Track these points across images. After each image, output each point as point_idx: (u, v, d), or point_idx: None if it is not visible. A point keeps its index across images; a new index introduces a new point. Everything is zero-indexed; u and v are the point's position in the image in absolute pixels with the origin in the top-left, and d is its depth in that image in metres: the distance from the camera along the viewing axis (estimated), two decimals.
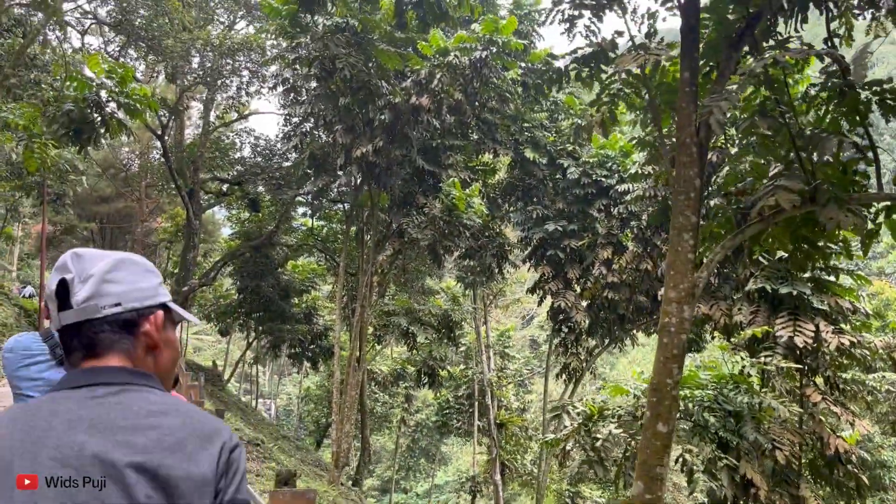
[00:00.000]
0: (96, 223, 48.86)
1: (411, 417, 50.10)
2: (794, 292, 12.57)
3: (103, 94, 11.54)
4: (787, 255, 12.81)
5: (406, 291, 28.64)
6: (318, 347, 40.64)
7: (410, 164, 17.73)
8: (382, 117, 16.40)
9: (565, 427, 10.88)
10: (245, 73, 25.95)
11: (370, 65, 15.67)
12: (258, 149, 31.36)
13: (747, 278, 13.59)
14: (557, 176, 21.65)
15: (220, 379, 30.95)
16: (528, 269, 25.47)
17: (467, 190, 18.32)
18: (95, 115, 11.60)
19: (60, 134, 11.00)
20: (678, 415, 12.37)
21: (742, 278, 13.67)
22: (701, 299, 14.52)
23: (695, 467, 10.90)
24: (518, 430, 31.19)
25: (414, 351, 25.56)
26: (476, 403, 34.21)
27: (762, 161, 7.83)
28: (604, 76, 8.43)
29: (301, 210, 36.68)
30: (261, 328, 37.69)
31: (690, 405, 11.93)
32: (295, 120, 20.44)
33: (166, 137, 29.13)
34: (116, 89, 11.58)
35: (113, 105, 11.62)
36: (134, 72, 11.85)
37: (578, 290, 21.26)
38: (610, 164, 20.41)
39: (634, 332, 22.22)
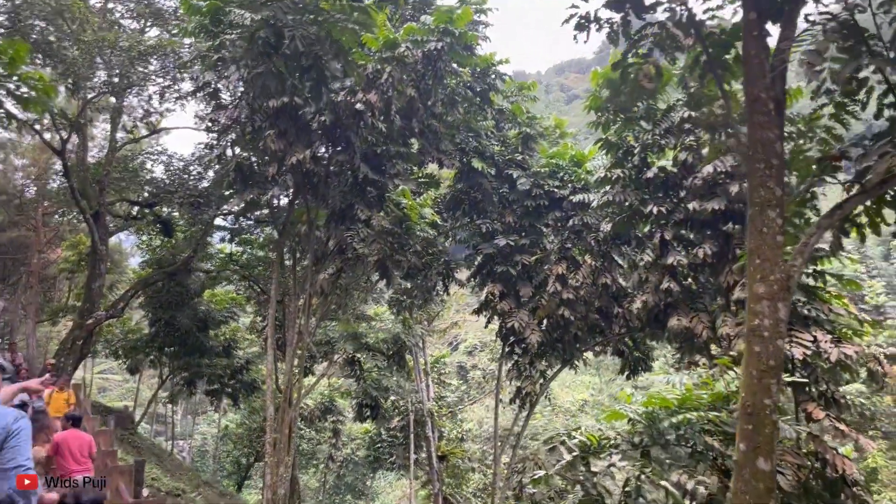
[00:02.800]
0: None
1: (339, 453, 47.62)
2: None
3: None
4: None
5: (336, 318, 26.64)
6: (238, 382, 37.83)
7: (352, 172, 16.00)
8: (322, 119, 14.64)
9: (557, 462, 9.32)
10: (158, 80, 23.57)
11: (322, 37, 13.65)
12: (171, 168, 28.72)
13: (731, 286, 12.53)
14: (504, 189, 20.37)
15: (132, 422, 27.90)
16: (469, 290, 24.04)
17: (418, 199, 16.72)
18: None
19: None
20: (673, 440, 11.07)
21: (726, 286, 12.60)
22: (679, 310, 13.38)
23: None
24: (460, 461, 29.50)
25: (360, 381, 23.45)
26: (412, 435, 32.35)
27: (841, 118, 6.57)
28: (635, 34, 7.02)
29: (218, 236, 34.17)
30: (176, 364, 34.67)
31: (687, 430, 10.62)
32: (219, 126, 18.33)
33: (68, 155, 26.24)
34: (4, 72, 9.45)
35: (1, 92, 9.48)
36: (27, 51, 9.71)
37: (530, 309, 19.89)
38: (561, 174, 19.28)
39: (585, 352, 21.05)
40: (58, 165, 32.83)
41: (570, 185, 19.00)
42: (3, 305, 41.49)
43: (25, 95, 9.55)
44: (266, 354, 35.67)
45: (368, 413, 24.90)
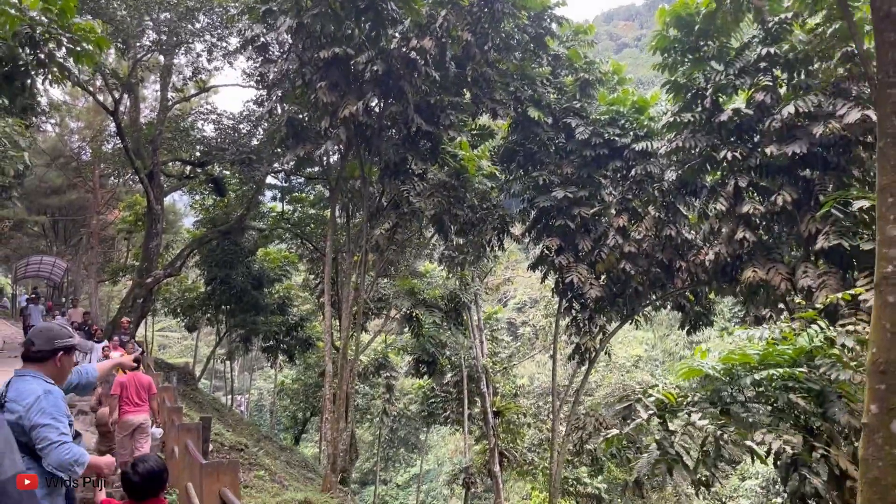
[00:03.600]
0: (47, 216, 45.53)
1: (392, 408, 48.18)
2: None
3: (39, 30, 9.13)
4: (866, 204, 11.03)
5: (390, 275, 26.43)
6: (293, 339, 38.29)
7: (406, 124, 15.50)
8: (375, 69, 14.11)
9: (632, 420, 8.89)
10: (206, 37, 23.29)
11: None
12: (221, 126, 28.61)
13: (813, 235, 11.74)
14: (560, 139, 19.62)
15: (193, 378, 28.46)
16: (520, 245, 23.44)
17: (476, 151, 16.11)
18: (29, 56, 9.20)
19: None
20: (752, 398, 10.50)
21: (807, 235, 11.81)
22: (755, 261, 12.66)
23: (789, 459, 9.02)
24: (515, 416, 29.35)
25: (419, 337, 23.24)
26: (465, 391, 32.30)
27: None
28: None
29: (269, 194, 34.20)
30: (232, 321, 35.17)
31: (768, 387, 10.01)
32: (269, 81, 17.98)
33: (121, 116, 26.37)
34: (55, 24, 9.18)
35: (52, 45, 9.22)
36: (77, 2, 9.41)
37: (589, 263, 19.27)
38: (622, 121, 18.40)
39: (646, 307, 20.40)
40: (112, 127, 33.21)
41: (631, 132, 18.13)
42: (67, 266, 42.66)
43: (78, 49, 9.26)
44: (323, 311, 36.13)
45: (425, 369, 24.74)
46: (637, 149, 17.62)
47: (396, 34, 14.08)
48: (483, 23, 14.10)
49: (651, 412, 8.59)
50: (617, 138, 18.15)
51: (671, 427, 8.83)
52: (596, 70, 19.12)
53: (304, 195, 33.19)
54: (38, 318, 21.80)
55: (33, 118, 25.06)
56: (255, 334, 36.27)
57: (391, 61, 14.26)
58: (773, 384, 9.85)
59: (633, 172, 17.82)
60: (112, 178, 42.89)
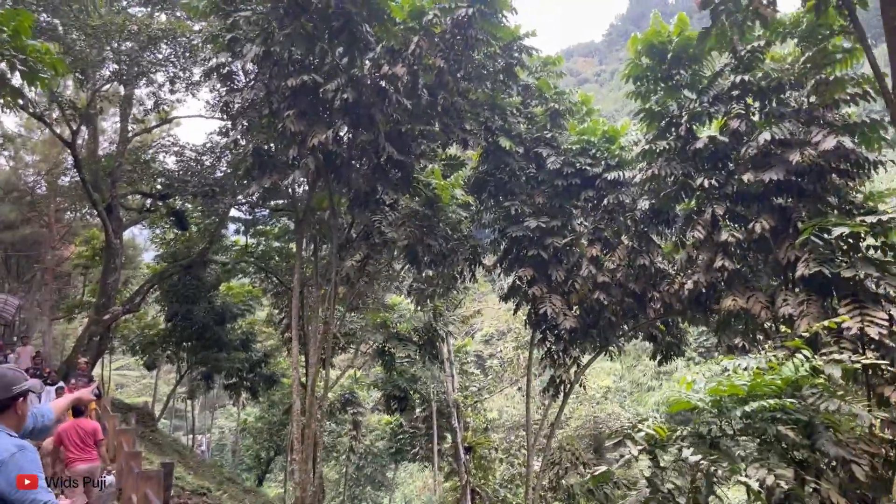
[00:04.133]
0: (0, 252, 43.96)
1: (359, 445, 47.16)
2: (860, 275, 10.62)
3: None
4: (846, 231, 10.95)
5: (358, 308, 25.84)
6: (257, 376, 37.35)
7: (376, 153, 15.15)
8: (345, 97, 13.77)
9: (622, 456, 8.50)
10: (169, 66, 22.77)
11: None
12: (184, 159, 27.92)
13: (792, 263, 11.62)
14: (531, 169, 19.47)
15: (152, 418, 27.34)
16: (486, 276, 23.14)
17: (449, 179, 15.81)
18: None
19: None
20: (739, 430, 10.21)
21: (786, 263, 11.68)
22: (734, 290, 12.49)
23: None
24: (487, 452, 28.75)
25: (391, 372, 22.61)
26: (435, 426, 31.65)
27: None
28: None
29: (232, 228, 33.48)
30: (194, 358, 34.11)
31: (756, 419, 9.73)
32: (234, 111, 17.51)
33: (78, 148, 25.59)
34: (8, 45, 8.66)
35: (3, 65, 8.70)
36: (33, 21, 8.91)
37: (562, 293, 19.02)
38: (593, 151, 18.33)
39: (621, 337, 20.17)
40: (69, 160, 32.29)
41: (603, 162, 18.05)
42: (19, 303, 41.08)
43: (32, 72, 8.74)
44: (288, 347, 35.20)
45: (396, 405, 24.08)
46: (609, 178, 17.53)
47: (367, 61, 13.80)
48: (456, 50, 13.92)
49: (641, 447, 8.21)
50: (588, 168, 18.05)
51: (663, 463, 8.46)
52: (566, 100, 19.09)
53: (268, 228, 32.58)
54: None
55: None
56: (217, 371, 35.26)
57: (361, 89, 13.95)
58: (761, 416, 9.58)
59: (605, 202, 17.69)
60: (68, 212, 41.68)
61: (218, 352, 32.61)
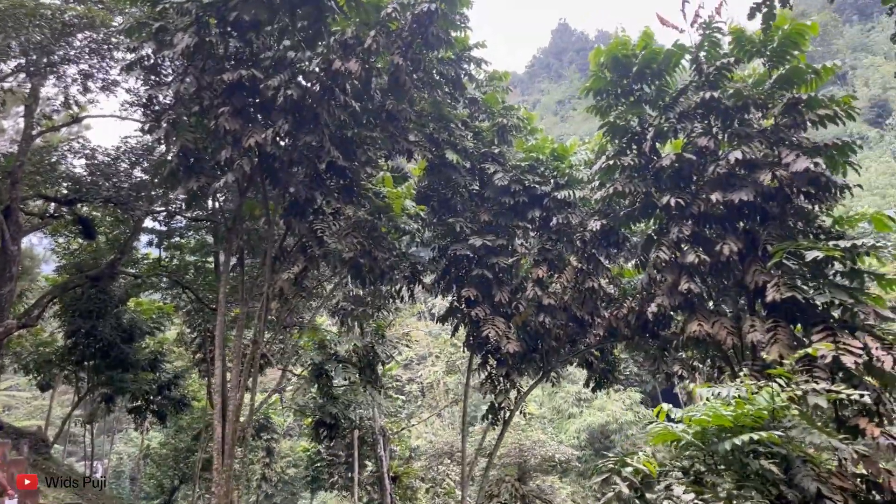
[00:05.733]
0: None
1: (275, 474, 44.90)
2: (836, 301, 10.23)
3: None
4: (820, 255, 10.57)
5: (272, 329, 24.16)
6: (165, 399, 34.73)
7: (318, 157, 13.98)
8: (289, 93, 12.58)
9: (612, 489, 7.61)
10: (84, 59, 20.84)
11: None
12: (95, 163, 25.71)
13: (760, 287, 11.17)
14: (475, 186, 18.71)
15: (46, 444, 24.74)
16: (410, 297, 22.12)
17: (401, 188, 14.73)
18: None
19: None
20: (716, 466, 9.54)
21: (753, 287, 11.22)
22: (699, 315, 11.95)
23: None
24: (413, 481, 27.47)
25: (328, 396, 21.01)
26: (356, 454, 30.13)
27: None
28: None
29: (144, 239, 31.21)
30: (96, 379, 31.34)
31: (737, 453, 9.07)
32: (159, 106, 15.96)
33: None
34: None
35: None
36: None
37: (505, 315, 18.21)
38: (542, 169, 17.74)
39: (564, 362, 19.55)
40: None
41: (552, 180, 17.48)
42: None
43: None
44: (200, 368, 32.94)
45: (326, 432, 22.53)
46: (559, 197, 16.96)
47: (315, 56, 12.68)
48: (414, 49, 12.99)
49: (628, 483, 7.36)
50: (537, 186, 17.44)
51: (650, 500, 7.64)
52: (514, 115, 18.47)
53: (184, 241, 30.52)
54: None
55: None
56: (121, 393, 32.52)
57: (307, 86, 12.80)
58: (743, 449, 8.93)
59: (553, 221, 17.09)
60: None
61: (123, 372, 30.05)
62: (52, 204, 27.51)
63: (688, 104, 12.60)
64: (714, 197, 11.54)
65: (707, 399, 9.57)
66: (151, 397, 34.02)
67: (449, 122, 17.59)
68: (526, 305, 17.75)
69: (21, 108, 28.99)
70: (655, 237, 13.07)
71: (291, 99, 12.77)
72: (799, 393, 9.43)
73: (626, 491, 7.15)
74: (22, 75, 23.62)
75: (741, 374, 9.99)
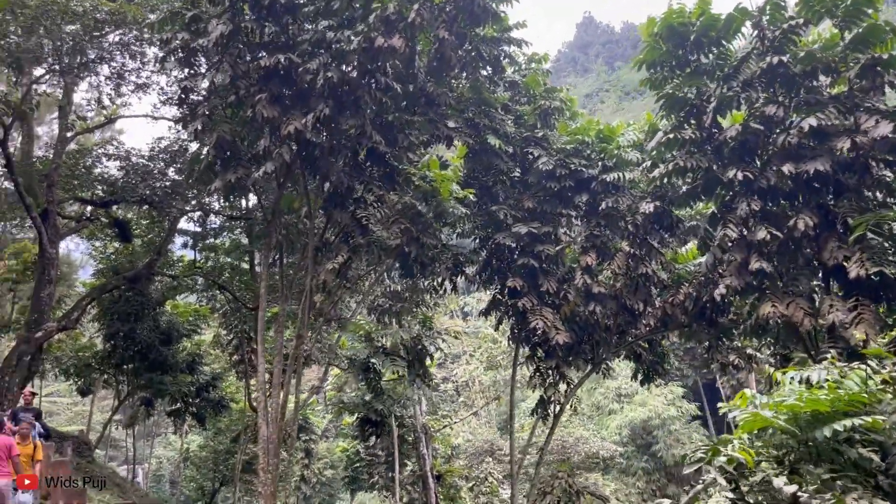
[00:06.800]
0: None
1: (313, 475, 44.69)
2: None
3: None
4: None
5: (315, 325, 23.68)
6: (203, 401, 34.62)
7: (359, 143, 13.45)
8: (329, 75, 12.07)
9: (701, 481, 6.95)
10: (116, 58, 20.61)
11: None
12: (129, 165, 25.56)
13: (839, 264, 10.37)
14: (517, 172, 18.06)
15: (89, 448, 24.64)
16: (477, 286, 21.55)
17: (448, 170, 14.11)
18: None
19: None
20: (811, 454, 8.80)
21: (832, 264, 10.42)
22: (772, 297, 11.16)
23: None
24: (457, 480, 26.89)
25: (376, 392, 20.47)
26: (397, 453, 29.63)
27: None
28: None
29: (179, 241, 31.11)
30: (135, 382, 31.28)
31: (833, 440, 8.30)
32: (195, 99, 15.55)
33: (11, 147, 23.08)
34: None
35: None
36: None
37: (552, 305, 17.51)
38: (588, 151, 17.02)
39: (616, 353, 18.81)
40: None
41: (599, 163, 16.75)
42: None
43: None
44: (239, 370, 32.70)
45: (371, 430, 21.97)
46: (607, 180, 16.23)
47: (353, 36, 12.15)
48: (459, 24, 12.40)
49: (726, 474, 6.69)
50: (583, 169, 16.71)
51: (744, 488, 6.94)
52: (556, 98, 17.76)
53: (219, 243, 30.36)
54: None
55: None
56: (160, 396, 32.46)
57: (347, 68, 12.28)
58: (838, 436, 8.16)
59: (602, 206, 16.36)
60: None
61: (162, 374, 29.94)
62: (89, 207, 27.50)
63: (751, 72, 11.80)
64: (786, 169, 10.75)
65: (793, 384, 8.81)
66: (190, 400, 33.93)
67: (489, 106, 16.96)
68: (574, 294, 17.05)
69: (54, 115, 29.13)
70: (719, 214, 12.29)
71: (331, 82, 12.26)
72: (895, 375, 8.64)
73: (723, 482, 6.47)
74: (56, 79, 23.54)
75: (828, 356, 9.23)
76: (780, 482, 6.62)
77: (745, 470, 6.97)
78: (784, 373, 8.72)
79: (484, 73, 16.66)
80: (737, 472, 6.88)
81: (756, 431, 8.35)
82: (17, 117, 22.96)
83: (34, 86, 22.40)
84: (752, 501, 6.71)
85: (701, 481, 6.91)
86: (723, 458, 6.90)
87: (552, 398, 17.86)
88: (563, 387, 18.24)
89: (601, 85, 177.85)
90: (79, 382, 33.45)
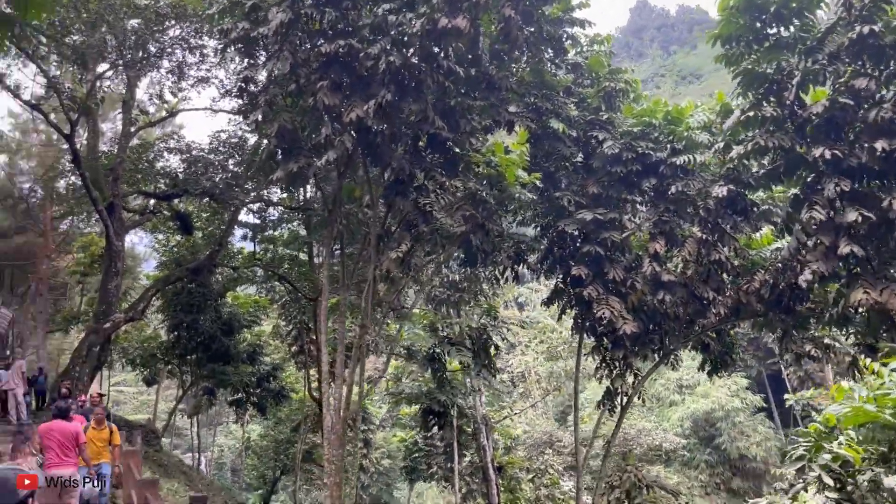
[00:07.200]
0: None
1: (371, 464, 44.93)
2: None
3: None
4: None
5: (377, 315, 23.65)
6: (264, 391, 35.09)
7: (420, 129, 13.19)
8: (391, 59, 11.82)
9: (802, 480, 6.46)
10: (177, 52, 20.82)
11: None
12: (190, 158, 25.93)
13: None
14: (579, 157, 17.55)
15: (156, 436, 25.17)
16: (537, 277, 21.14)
17: (512, 155, 13.71)
18: None
19: None
20: None
21: None
22: (865, 282, 10.47)
23: None
24: (518, 471, 26.57)
25: (443, 382, 20.26)
26: (456, 443, 29.44)
27: None
28: None
29: (238, 234, 31.50)
30: (199, 372, 31.87)
31: None
32: (255, 89, 15.52)
33: (77, 142, 23.64)
34: None
35: None
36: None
37: (619, 294, 16.96)
38: (655, 134, 16.40)
39: (686, 343, 18.17)
40: (66, 163, 30.34)
41: (667, 146, 16.11)
42: (12, 317, 38.90)
43: None
44: (298, 360, 33.00)
45: (434, 421, 21.87)
46: (676, 163, 15.60)
47: (415, 18, 11.86)
48: (525, 2, 11.99)
49: (833, 473, 6.20)
50: (651, 152, 16.09)
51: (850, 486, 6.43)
52: (621, 79, 17.16)
53: (277, 234, 30.66)
54: None
55: None
56: (223, 386, 33.03)
57: (409, 52, 12.01)
58: None
59: (671, 190, 15.73)
60: (64, 221, 39.60)
61: (224, 365, 30.41)
62: (152, 200, 28.02)
63: (837, 44, 11.07)
64: (878, 146, 10.04)
65: (893, 375, 8.20)
66: (251, 390, 34.40)
67: (551, 89, 16.49)
68: (642, 283, 16.48)
69: (117, 111, 29.78)
70: (803, 196, 11.61)
71: (393, 67, 12.01)
72: None
73: (829, 482, 5.98)
74: (119, 75, 23.95)
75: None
76: (892, 481, 6.09)
77: (850, 468, 6.45)
78: (884, 364, 8.11)
79: (548, 53, 16.20)
80: (843, 470, 6.37)
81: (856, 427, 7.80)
82: (83, 113, 23.47)
83: (98, 82, 22.80)
84: (858, 502, 6.20)
85: (801, 480, 6.41)
86: (827, 456, 6.40)
87: (619, 389, 17.35)
88: (630, 378, 17.70)
89: (656, 70, 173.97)
90: (144, 372, 34.34)
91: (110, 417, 13.77)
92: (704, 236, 15.18)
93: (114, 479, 11.05)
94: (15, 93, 21.48)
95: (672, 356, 17.97)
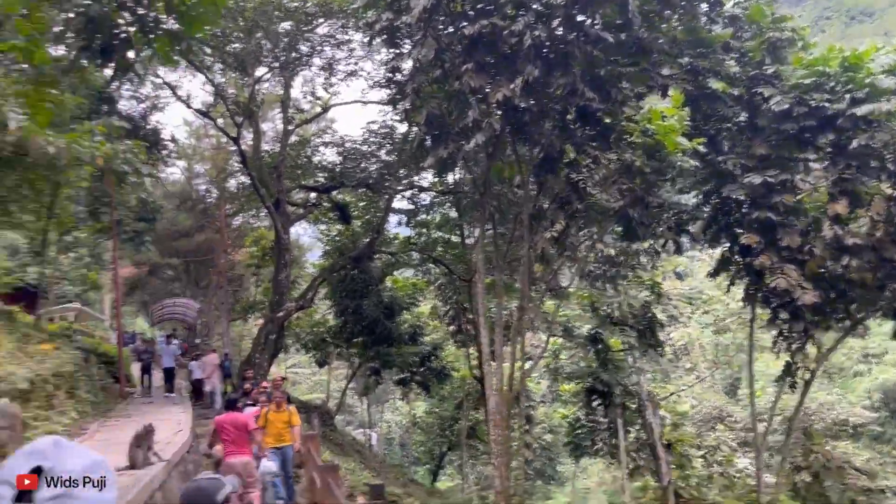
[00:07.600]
0: (179, 260, 46.03)
1: (533, 440, 45.14)
2: None
3: None
4: None
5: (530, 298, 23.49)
6: (427, 370, 36.17)
7: (568, 104, 12.78)
8: (536, 33, 11.51)
9: None
10: (326, 49, 21.62)
11: None
12: (345, 151, 27.07)
13: None
14: (741, 117, 16.31)
15: (331, 417, 26.66)
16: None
17: (670, 121, 13.03)
18: (128, 23, 7.28)
19: (77, 47, 6.69)
20: None
21: None
22: None
23: None
24: (688, 449, 25.52)
25: (607, 363, 20.01)
26: (620, 420, 28.77)
27: None
28: None
29: (394, 220, 32.47)
30: (366, 353, 33.39)
31: None
32: (401, 77, 15.78)
33: (243, 143, 25.36)
34: None
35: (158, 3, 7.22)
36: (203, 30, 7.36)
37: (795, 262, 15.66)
38: (831, 84, 14.88)
39: (875, 313, 16.53)
40: (234, 164, 32.72)
41: (845, 96, 14.57)
42: (199, 307, 42.69)
43: (185, 9, 7.16)
44: (458, 339, 33.76)
45: (598, 400, 21.46)
46: (858, 114, 14.07)
47: None
48: None
49: None
50: (826, 105, 14.63)
51: None
52: (787, 28, 15.71)
53: (429, 218, 31.31)
54: (170, 358, 20.60)
55: (158, 153, 24.49)
56: (388, 367, 34.41)
57: (554, 24, 11.64)
58: None
59: (853, 144, 14.23)
60: (237, 218, 42.78)
61: (388, 346, 31.63)
62: (312, 193, 29.51)
63: None
64: None
65: None
66: (414, 369, 35.54)
67: (707, 47, 15.42)
68: (821, 248, 15.11)
69: (275, 111, 31.59)
70: None
71: (538, 41, 11.70)
72: None
73: None
74: (275, 77, 25.31)
75: None
76: None
77: None
78: None
79: (703, 7, 15.19)
80: None
81: None
82: (247, 116, 25.05)
83: (257, 85, 24.20)
84: None
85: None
86: None
87: (798, 363, 16.09)
88: (811, 350, 16.37)
89: (820, 12, 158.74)
90: (316, 355, 36.48)
91: (290, 400, 14.63)
92: (894, 193, 13.63)
93: (296, 458, 11.76)
94: (187, 102, 23.29)
95: (859, 326, 16.40)
